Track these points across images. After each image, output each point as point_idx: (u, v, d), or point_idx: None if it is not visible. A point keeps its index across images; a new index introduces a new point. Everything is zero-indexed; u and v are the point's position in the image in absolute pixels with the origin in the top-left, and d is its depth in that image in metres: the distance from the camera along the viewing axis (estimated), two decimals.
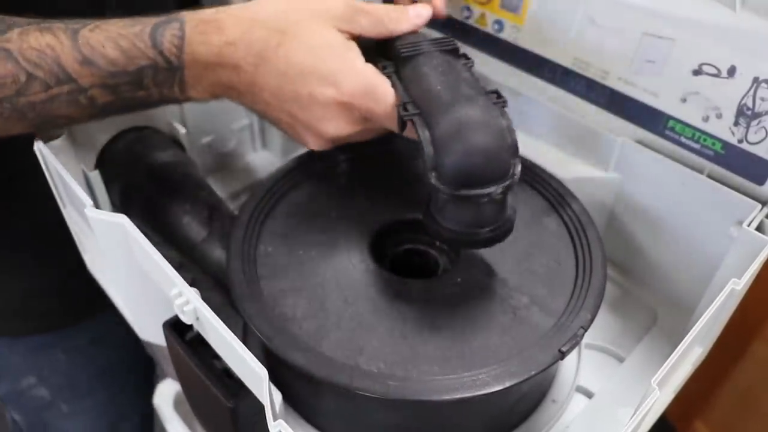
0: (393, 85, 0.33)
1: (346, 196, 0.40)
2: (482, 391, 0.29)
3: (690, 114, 0.39)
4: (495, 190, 0.29)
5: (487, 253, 0.37)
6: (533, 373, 0.30)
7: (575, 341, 0.32)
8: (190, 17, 0.33)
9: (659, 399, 0.30)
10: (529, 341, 0.32)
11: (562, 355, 0.31)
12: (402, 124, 0.32)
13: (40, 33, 0.32)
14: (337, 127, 0.34)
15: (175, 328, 0.33)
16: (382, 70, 0.34)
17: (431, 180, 0.30)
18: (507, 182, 0.30)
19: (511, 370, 0.30)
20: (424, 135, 0.30)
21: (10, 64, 0.31)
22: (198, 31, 0.33)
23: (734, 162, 0.38)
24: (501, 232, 0.32)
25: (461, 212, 0.31)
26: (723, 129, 0.37)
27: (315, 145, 0.36)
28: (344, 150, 0.43)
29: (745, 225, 0.36)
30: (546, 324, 0.33)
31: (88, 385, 0.59)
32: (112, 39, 0.32)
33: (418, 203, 0.40)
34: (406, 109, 0.32)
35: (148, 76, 0.33)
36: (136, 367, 0.64)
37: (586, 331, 0.32)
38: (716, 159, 0.38)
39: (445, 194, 0.30)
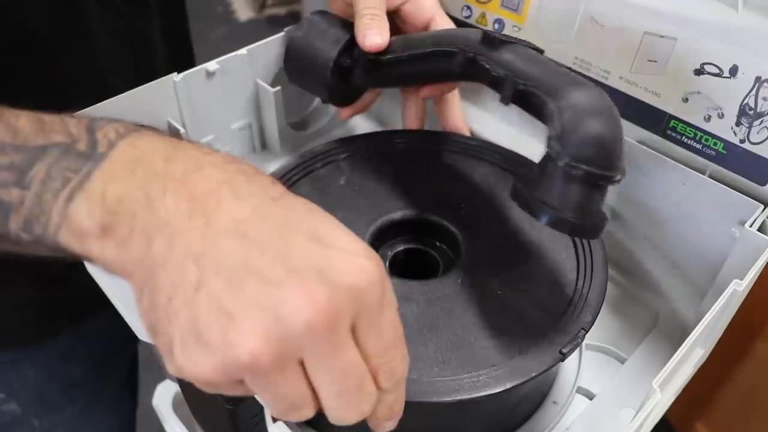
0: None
1: (344, 195, 0.40)
2: (482, 392, 0.29)
3: (692, 114, 0.38)
4: (615, 175, 0.29)
5: (488, 254, 0.37)
6: (534, 374, 0.30)
7: (576, 343, 0.32)
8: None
9: (661, 400, 0.30)
10: (530, 342, 0.32)
11: (563, 356, 0.31)
12: None
13: None
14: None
15: None
16: None
17: (552, 151, 0.29)
18: (622, 172, 0.30)
19: (511, 371, 0.30)
20: (551, 106, 0.30)
21: None
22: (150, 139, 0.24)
23: (736, 162, 0.37)
24: (597, 225, 0.31)
25: (571, 191, 0.29)
26: (725, 129, 0.37)
27: (253, 342, 0.20)
28: (344, 148, 0.43)
29: (747, 226, 0.36)
30: (547, 325, 0.32)
31: (58, 400, 0.58)
32: (38, 116, 0.24)
33: (417, 203, 0.40)
34: (515, 82, 0.33)
35: (44, 161, 0.23)
36: (109, 380, 0.63)
37: (587, 332, 0.32)
38: (718, 159, 0.38)
39: (566, 167, 0.29)
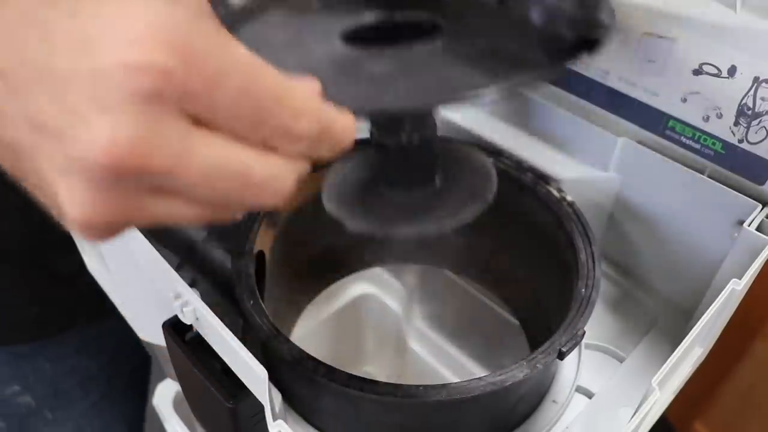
0: None
1: None
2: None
3: (690, 114, 0.38)
4: None
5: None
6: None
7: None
8: None
9: (659, 399, 0.30)
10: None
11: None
12: None
13: None
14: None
15: (175, 328, 0.32)
16: None
17: None
18: None
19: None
20: None
21: None
22: None
23: (735, 162, 0.37)
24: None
25: None
26: (723, 129, 0.37)
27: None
28: None
29: (745, 225, 0.36)
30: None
31: (73, 393, 0.59)
32: None
33: None
34: None
35: None
36: (123, 374, 0.64)
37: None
38: (716, 159, 0.38)
39: None
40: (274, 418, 0.27)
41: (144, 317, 0.38)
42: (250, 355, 0.26)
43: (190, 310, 0.29)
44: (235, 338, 0.27)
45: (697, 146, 0.39)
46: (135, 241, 0.31)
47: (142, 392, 0.69)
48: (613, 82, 0.41)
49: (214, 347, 0.29)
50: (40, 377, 0.56)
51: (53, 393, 0.58)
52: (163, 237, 0.41)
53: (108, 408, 0.63)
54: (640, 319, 0.44)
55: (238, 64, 0.18)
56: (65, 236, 0.43)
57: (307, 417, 0.36)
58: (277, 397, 0.27)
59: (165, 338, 0.33)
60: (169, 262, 0.30)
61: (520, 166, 0.43)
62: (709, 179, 0.38)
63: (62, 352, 0.56)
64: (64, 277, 0.51)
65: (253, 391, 0.28)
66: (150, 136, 0.16)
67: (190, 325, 0.30)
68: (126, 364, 0.64)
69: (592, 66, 0.42)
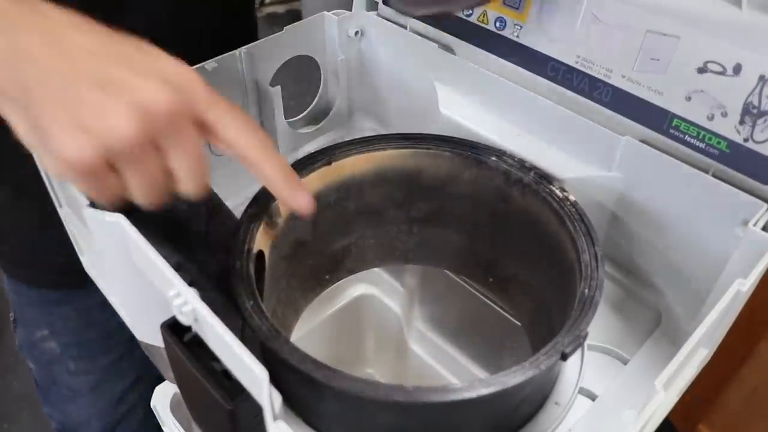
0: None
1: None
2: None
3: (695, 112, 0.38)
4: None
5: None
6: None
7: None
8: None
9: (663, 401, 0.30)
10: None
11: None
12: None
13: None
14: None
15: (173, 329, 0.32)
16: None
17: None
18: None
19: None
20: None
21: None
22: None
23: (740, 161, 0.37)
24: None
25: None
26: (728, 128, 0.37)
27: (125, 123, 0.26)
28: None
29: (750, 225, 0.36)
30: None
31: (94, 347, 0.61)
32: None
33: None
34: None
35: None
36: None
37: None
38: (721, 158, 0.38)
39: None
40: (274, 419, 0.27)
41: (142, 318, 0.38)
42: (251, 355, 0.26)
43: (189, 311, 0.28)
44: (235, 339, 0.26)
45: (702, 145, 0.38)
46: (133, 240, 0.31)
47: None
48: (617, 81, 0.41)
49: (213, 348, 0.29)
50: (66, 325, 0.58)
51: (76, 342, 0.59)
52: (162, 237, 0.40)
53: (128, 367, 0.64)
54: (643, 321, 0.44)
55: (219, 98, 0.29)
56: None
57: (306, 418, 0.36)
58: (277, 398, 0.27)
59: (163, 339, 0.32)
60: (168, 262, 0.29)
61: (523, 165, 0.42)
62: (714, 178, 0.38)
63: (88, 304, 0.57)
64: None
65: (252, 393, 0.27)
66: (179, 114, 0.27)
67: (189, 326, 0.30)
68: None
69: (595, 64, 0.42)
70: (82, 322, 0.59)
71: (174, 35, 0.49)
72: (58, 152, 0.26)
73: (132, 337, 0.62)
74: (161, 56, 0.28)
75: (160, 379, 0.68)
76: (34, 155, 0.28)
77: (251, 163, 0.31)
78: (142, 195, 0.29)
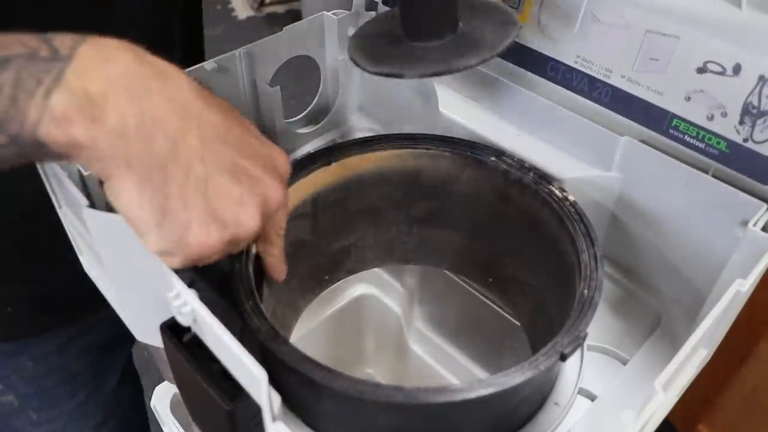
0: None
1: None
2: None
3: (694, 113, 0.38)
4: None
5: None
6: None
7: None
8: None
9: (663, 402, 0.29)
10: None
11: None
12: None
13: None
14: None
15: (173, 329, 0.32)
16: None
17: None
18: None
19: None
20: None
21: None
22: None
23: (739, 161, 0.37)
24: None
25: None
26: (728, 128, 0.37)
27: (256, 220, 0.28)
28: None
29: (750, 225, 0.36)
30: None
31: (57, 393, 0.58)
32: None
33: None
34: None
35: (11, 68, 0.24)
36: (109, 374, 0.63)
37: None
38: (721, 158, 0.38)
39: None
40: (273, 420, 0.27)
41: (141, 319, 0.38)
42: (249, 356, 0.26)
43: (188, 311, 0.28)
44: (234, 339, 0.26)
45: (701, 145, 0.38)
46: (133, 240, 0.31)
47: (133, 389, 0.69)
48: (616, 81, 0.41)
49: (212, 349, 0.29)
50: (22, 376, 0.55)
51: (36, 393, 0.57)
52: None
53: (96, 407, 0.62)
54: (643, 321, 0.43)
55: None
56: (44, 237, 0.42)
57: (306, 419, 0.36)
58: (276, 399, 0.27)
59: (162, 340, 0.32)
60: None
61: (522, 165, 0.42)
62: (714, 179, 0.38)
63: (44, 351, 0.55)
64: (44, 277, 0.51)
65: (251, 394, 0.27)
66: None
67: (188, 327, 0.30)
68: (113, 362, 0.63)
69: (594, 64, 0.42)
70: (40, 371, 0.56)
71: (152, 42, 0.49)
72: (188, 238, 0.27)
73: (96, 376, 0.60)
74: (271, 144, 0.30)
75: (127, 418, 0.67)
76: (133, 229, 0.27)
77: (269, 250, 0.35)
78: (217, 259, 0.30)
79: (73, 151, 0.25)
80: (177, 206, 0.26)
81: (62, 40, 0.25)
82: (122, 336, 0.63)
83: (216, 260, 0.29)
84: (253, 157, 0.28)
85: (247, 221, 0.27)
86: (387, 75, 0.36)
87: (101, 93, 0.25)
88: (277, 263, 0.36)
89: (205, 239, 0.27)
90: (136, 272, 0.33)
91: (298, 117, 0.58)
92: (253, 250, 0.37)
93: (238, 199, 0.27)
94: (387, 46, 0.39)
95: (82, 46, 0.25)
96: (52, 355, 0.56)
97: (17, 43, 0.25)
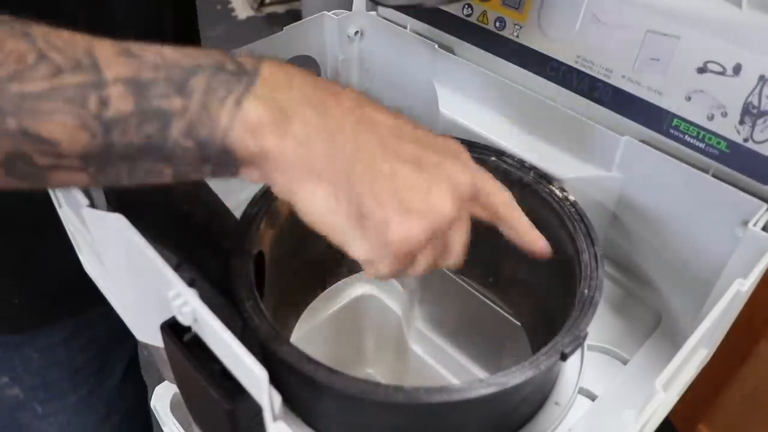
0: None
1: None
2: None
3: (695, 112, 0.38)
4: None
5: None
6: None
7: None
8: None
9: (663, 401, 0.29)
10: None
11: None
12: None
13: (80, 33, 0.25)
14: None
15: (173, 329, 0.32)
16: None
17: None
18: None
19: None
20: None
21: (25, 42, 0.24)
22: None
23: (739, 161, 0.37)
24: None
25: None
26: (728, 128, 0.37)
27: (449, 204, 0.27)
28: None
29: (750, 225, 0.36)
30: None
31: (61, 386, 0.59)
32: (178, 47, 0.26)
33: None
34: None
35: (200, 76, 0.25)
36: (114, 364, 0.63)
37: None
38: (721, 158, 0.38)
39: None
40: (274, 419, 0.27)
41: (141, 318, 0.38)
42: (250, 355, 0.26)
43: (189, 311, 0.28)
44: (235, 339, 0.26)
45: (702, 145, 0.38)
46: (133, 240, 0.31)
47: (136, 384, 0.69)
48: (617, 81, 0.41)
49: (212, 348, 0.29)
50: (28, 368, 0.55)
51: (42, 385, 0.57)
52: (162, 237, 0.40)
53: (99, 401, 0.62)
54: (643, 321, 0.44)
55: None
56: (50, 227, 0.43)
57: (306, 419, 0.36)
58: (277, 398, 0.27)
59: (163, 339, 0.32)
60: (168, 262, 0.29)
61: (522, 165, 0.42)
62: (714, 178, 0.38)
63: (50, 343, 0.55)
64: (48, 269, 0.51)
65: (252, 393, 0.27)
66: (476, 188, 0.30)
67: (189, 326, 0.30)
68: (117, 356, 0.64)
69: (595, 64, 0.42)
70: (45, 362, 0.56)
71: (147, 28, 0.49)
72: (389, 235, 0.26)
73: (100, 370, 0.61)
74: (445, 136, 0.30)
75: (131, 414, 0.67)
76: (335, 240, 0.28)
77: (508, 224, 0.33)
78: (425, 269, 0.29)
79: (259, 160, 0.26)
80: (371, 206, 0.26)
81: (246, 59, 0.27)
82: (126, 331, 0.64)
83: (423, 264, 0.29)
84: (431, 147, 0.28)
85: (440, 205, 0.27)
86: (406, 6, 0.35)
87: (288, 103, 0.26)
88: (528, 230, 0.33)
89: (407, 233, 0.26)
90: (137, 271, 0.33)
91: None
92: (255, 249, 0.37)
93: (426, 186, 0.27)
94: None
95: (264, 64, 0.27)
96: (58, 347, 0.56)
97: (204, 55, 0.26)
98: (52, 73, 0.24)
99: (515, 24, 0.46)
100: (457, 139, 0.44)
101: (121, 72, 0.24)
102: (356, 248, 0.27)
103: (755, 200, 0.36)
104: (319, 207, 0.27)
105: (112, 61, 0.24)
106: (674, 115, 0.39)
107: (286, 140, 0.25)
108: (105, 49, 0.25)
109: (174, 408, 0.39)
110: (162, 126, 0.25)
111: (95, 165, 0.25)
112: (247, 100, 0.25)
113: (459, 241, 0.30)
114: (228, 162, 0.26)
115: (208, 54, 0.26)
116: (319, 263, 0.48)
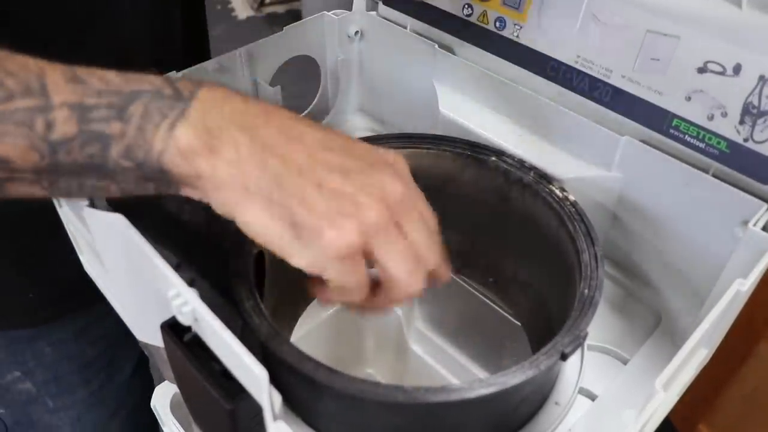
0: None
1: None
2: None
3: (695, 112, 0.38)
4: None
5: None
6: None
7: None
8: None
9: (663, 401, 0.29)
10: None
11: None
12: None
13: (33, 58, 0.27)
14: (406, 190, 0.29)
15: (173, 329, 0.32)
16: None
17: None
18: None
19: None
20: None
21: None
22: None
23: (739, 161, 0.37)
24: None
25: None
26: (728, 128, 0.37)
27: (376, 204, 0.28)
28: None
29: (750, 225, 0.36)
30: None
31: (73, 380, 0.59)
32: (121, 72, 0.28)
33: None
34: None
35: (139, 102, 0.27)
36: (124, 360, 0.64)
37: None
38: (721, 158, 0.38)
39: None
40: (274, 420, 0.27)
41: (142, 318, 0.38)
42: (250, 355, 0.26)
43: (189, 311, 0.28)
44: (235, 339, 0.26)
45: (702, 145, 0.38)
46: (133, 240, 0.31)
47: (144, 380, 0.69)
48: (617, 81, 0.41)
49: (212, 348, 0.29)
50: (40, 362, 0.56)
51: (53, 379, 0.58)
52: (162, 237, 0.40)
53: (109, 396, 0.63)
54: (643, 321, 0.44)
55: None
56: (60, 224, 0.43)
57: (306, 419, 0.36)
58: (277, 398, 0.27)
59: (163, 339, 0.32)
60: (168, 262, 0.29)
61: (523, 165, 0.42)
62: (714, 178, 0.38)
63: (62, 337, 0.56)
64: (61, 262, 0.51)
65: (252, 393, 0.27)
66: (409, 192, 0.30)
67: (189, 326, 0.30)
68: (126, 351, 0.65)
69: (595, 64, 0.42)
70: (57, 356, 0.57)
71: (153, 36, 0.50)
72: (323, 240, 0.27)
73: (110, 364, 0.62)
74: (383, 149, 0.31)
75: (138, 410, 0.68)
76: (278, 252, 0.28)
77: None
78: (397, 268, 0.29)
79: (194, 180, 0.28)
80: (303, 214, 0.27)
81: (184, 84, 0.29)
82: None
83: (362, 263, 0.29)
84: (360, 158, 0.29)
85: (367, 205, 0.28)
86: None
87: (217, 127, 0.28)
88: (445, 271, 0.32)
89: (338, 236, 0.27)
90: (137, 271, 0.33)
91: None
92: (255, 249, 0.37)
93: (352, 192, 0.28)
94: None
95: (201, 90, 0.29)
96: (69, 341, 0.57)
97: (145, 81, 0.28)
98: (5, 97, 0.26)
99: (515, 24, 0.46)
100: (458, 138, 0.45)
101: (68, 97, 0.27)
102: (299, 258, 0.28)
103: (755, 200, 0.36)
104: (257, 222, 0.28)
105: (60, 86, 0.27)
106: (674, 115, 0.39)
107: (217, 162, 0.27)
108: (55, 74, 0.27)
109: (174, 408, 0.39)
110: (102, 147, 0.27)
111: (47, 179, 0.28)
112: (181, 124, 0.27)
113: (422, 236, 0.30)
114: (168, 181, 0.28)
115: (150, 80, 0.28)
116: None
